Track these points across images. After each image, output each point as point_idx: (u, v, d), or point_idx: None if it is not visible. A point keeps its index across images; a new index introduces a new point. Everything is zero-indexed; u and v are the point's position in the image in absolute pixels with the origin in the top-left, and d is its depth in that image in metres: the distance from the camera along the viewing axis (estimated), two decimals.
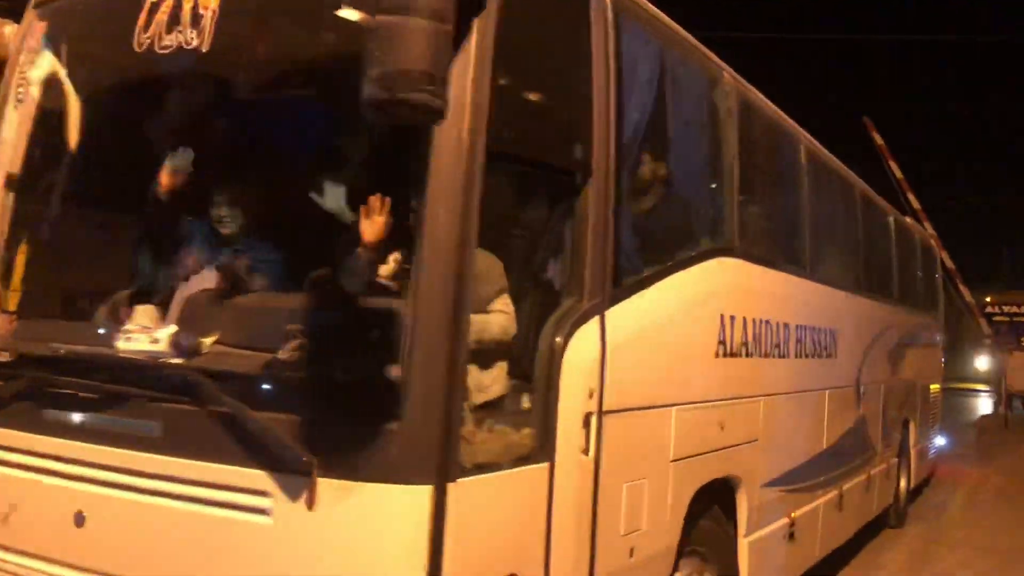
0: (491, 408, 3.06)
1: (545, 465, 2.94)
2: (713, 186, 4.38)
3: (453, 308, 2.55)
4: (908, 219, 10.70)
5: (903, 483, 8.97)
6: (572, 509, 3.06)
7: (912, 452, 9.32)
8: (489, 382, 3.13)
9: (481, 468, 2.68)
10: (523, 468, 2.85)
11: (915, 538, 8.47)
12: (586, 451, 3.13)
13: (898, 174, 16.81)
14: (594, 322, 3.19)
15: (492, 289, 3.16)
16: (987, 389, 24.49)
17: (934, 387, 10.77)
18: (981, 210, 33.05)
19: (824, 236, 6.14)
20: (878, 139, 17.42)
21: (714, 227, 4.35)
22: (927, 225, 14.29)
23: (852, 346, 6.64)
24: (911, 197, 16.24)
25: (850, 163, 7.34)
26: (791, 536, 5.24)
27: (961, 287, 17.23)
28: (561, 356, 3.02)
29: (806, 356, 5.47)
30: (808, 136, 5.79)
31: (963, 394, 25.07)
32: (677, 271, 3.85)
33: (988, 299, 21.98)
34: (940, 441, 11.38)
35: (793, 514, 5.28)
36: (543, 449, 2.95)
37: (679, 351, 3.84)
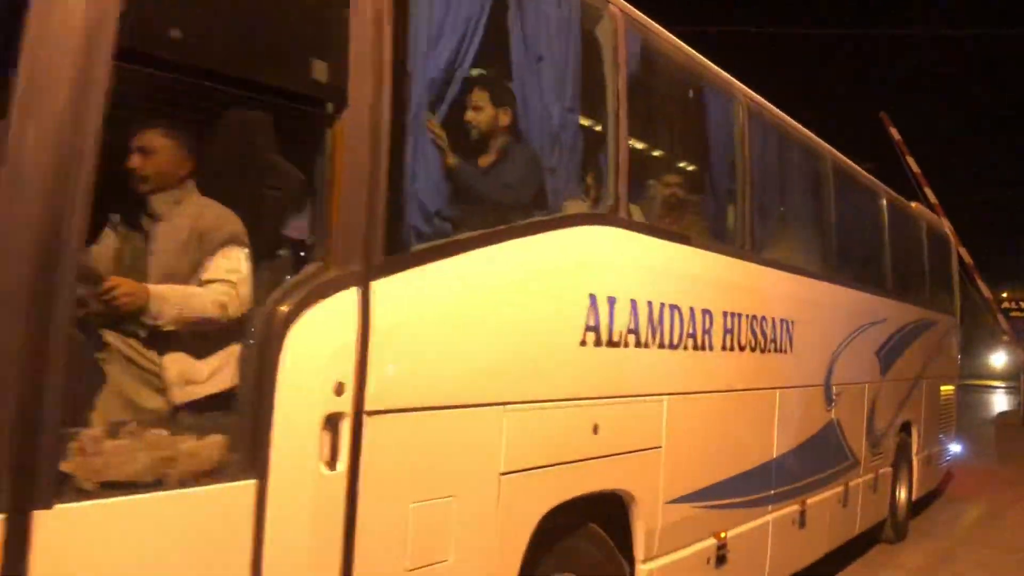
0: (202, 407, 2.28)
1: (250, 483, 2.12)
2: (587, 142, 3.50)
3: (35, 273, 1.74)
4: (915, 204, 9.46)
5: (902, 494, 7.90)
6: (305, 540, 2.24)
7: (915, 460, 8.23)
8: (205, 374, 2.34)
9: (117, 489, 1.87)
10: (204, 488, 2.03)
11: (916, 557, 7.36)
12: (331, 464, 2.30)
13: (915, 169, 15.64)
14: (348, 295, 2.36)
15: (206, 253, 2.38)
16: (1005, 385, 23.80)
17: (946, 388, 9.61)
18: (997, 206, 31.25)
19: (774, 212, 5.18)
20: (895, 134, 16.27)
21: (585, 189, 3.49)
22: (944, 221, 13.10)
23: (818, 340, 5.67)
24: (928, 192, 15.05)
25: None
26: (720, 560, 4.32)
27: (980, 283, 15.90)
28: (281, 338, 2.20)
29: (742, 349, 4.54)
30: (748, 92, 4.84)
31: (981, 390, 24.26)
32: (513, 239, 3.00)
33: (1005, 295, 20.66)
34: (955, 448, 10.18)
35: (724, 534, 4.35)
36: (248, 462, 2.13)
37: (516, 337, 2.98)
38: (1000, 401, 22.90)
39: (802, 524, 5.36)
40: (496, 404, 2.87)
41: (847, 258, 6.37)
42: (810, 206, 5.94)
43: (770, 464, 4.94)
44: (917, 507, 8.74)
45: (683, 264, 4.07)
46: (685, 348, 4.00)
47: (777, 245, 5.22)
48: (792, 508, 5.24)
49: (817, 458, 5.66)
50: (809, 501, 5.47)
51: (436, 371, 2.64)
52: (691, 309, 4.04)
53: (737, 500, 4.53)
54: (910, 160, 15.69)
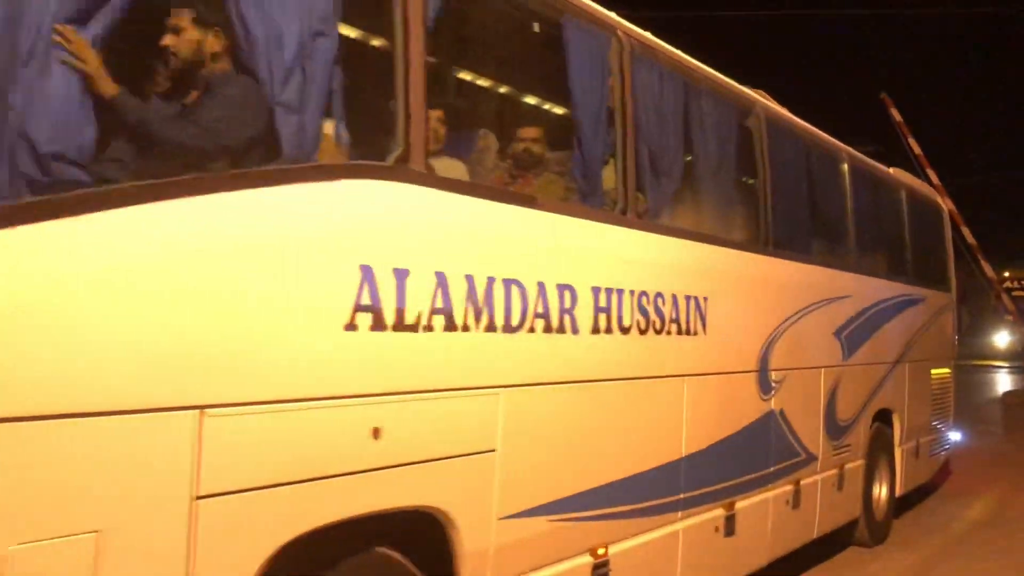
0: None
1: None
2: (356, 76, 2.75)
3: None
4: (893, 170, 8.29)
5: (882, 491, 6.99)
6: None
7: (898, 451, 7.31)
8: None
9: None
10: None
11: (896, 564, 6.41)
12: None
13: (916, 150, 14.60)
14: None
15: None
16: (1009, 365, 23.44)
17: (940, 371, 8.60)
18: (1000, 186, 29.63)
19: (673, 173, 4.27)
20: (896, 116, 15.23)
21: (355, 135, 2.72)
22: (947, 200, 12.05)
23: (746, 320, 4.83)
24: (930, 173, 14.01)
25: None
26: None
27: (983, 263, 14.78)
28: None
29: (624, 331, 3.75)
30: (631, 28, 3.94)
31: (985, 371, 23.64)
32: (213, 193, 2.24)
33: (1007, 275, 19.58)
34: (954, 435, 9.16)
35: (604, 549, 3.57)
36: None
37: (222, 321, 2.23)
38: (1004, 381, 22.10)
39: (730, 531, 4.53)
40: (183, 408, 2.13)
41: (789, 227, 5.48)
42: (732, 167, 5.00)
43: (678, 464, 4.13)
44: (907, 503, 7.84)
45: (526, 231, 3.28)
46: (532, 331, 3.23)
47: (681, 211, 4.42)
48: (714, 513, 4.42)
49: (751, 454, 4.83)
50: (740, 504, 4.64)
51: (57, 367, 1.90)
52: (540, 284, 3.27)
53: (625, 508, 3.74)
54: (911, 141, 14.69)
